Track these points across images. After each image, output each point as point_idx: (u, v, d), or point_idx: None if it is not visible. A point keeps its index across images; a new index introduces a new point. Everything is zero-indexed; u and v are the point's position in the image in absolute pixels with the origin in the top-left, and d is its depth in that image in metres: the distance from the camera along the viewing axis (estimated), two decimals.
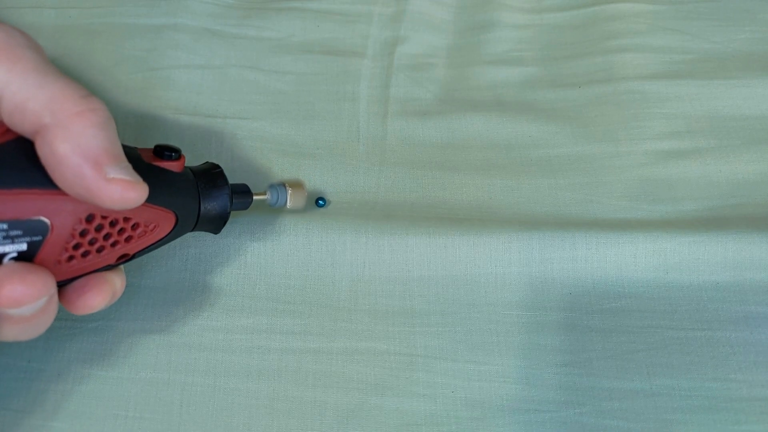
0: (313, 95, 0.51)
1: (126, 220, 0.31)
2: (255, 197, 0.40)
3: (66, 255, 0.29)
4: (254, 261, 0.42)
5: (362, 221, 0.43)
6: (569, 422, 0.38)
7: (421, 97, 0.52)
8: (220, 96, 0.50)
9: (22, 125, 0.27)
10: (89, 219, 0.29)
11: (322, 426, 0.37)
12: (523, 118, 0.50)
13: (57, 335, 0.39)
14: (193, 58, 0.51)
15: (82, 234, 0.29)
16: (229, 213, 0.38)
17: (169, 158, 0.33)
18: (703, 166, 0.47)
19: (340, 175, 0.47)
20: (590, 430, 0.38)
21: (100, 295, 0.31)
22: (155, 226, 0.33)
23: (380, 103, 0.51)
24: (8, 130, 0.28)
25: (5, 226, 0.27)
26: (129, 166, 0.28)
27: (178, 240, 0.41)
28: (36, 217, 0.28)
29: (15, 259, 0.28)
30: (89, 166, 0.27)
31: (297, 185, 0.42)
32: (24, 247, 0.28)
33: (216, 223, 0.38)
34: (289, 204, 0.41)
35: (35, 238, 0.28)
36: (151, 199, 0.31)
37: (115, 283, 0.32)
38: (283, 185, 0.41)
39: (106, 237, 0.31)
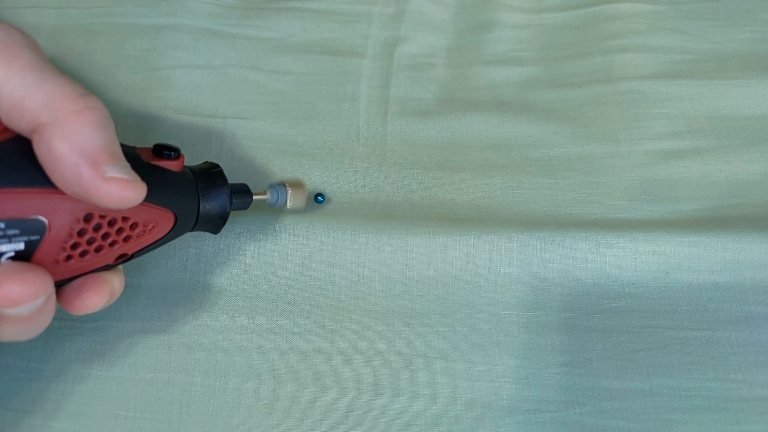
0: (313, 95, 0.51)
1: (124, 219, 0.31)
2: (255, 197, 0.40)
3: (64, 254, 0.29)
4: (254, 261, 0.42)
5: (362, 221, 0.43)
6: (569, 422, 0.38)
7: (421, 97, 0.52)
8: (220, 96, 0.50)
9: (19, 124, 0.27)
10: (87, 218, 0.29)
11: (322, 426, 0.37)
12: (523, 118, 0.50)
13: (57, 335, 0.39)
14: (193, 58, 0.51)
15: (80, 233, 0.29)
16: (229, 213, 0.38)
17: (168, 157, 0.33)
18: (703, 166, 0.47)
19: (340, 175, 0.47)
20: (590, 430, 0.38)
21: (98, 295, 0.31)
22: (154, 226, 0.33)
23: (380, 103, 0.51)
24: (6, 129, 0.28)
25: (2, 225, 0.27)
26: (127, 165, 0.28)
27: (177, 240, 0.41)
28: (33, 217, 0.28)
29: (12, 258, 0.28)
30: (87, 165, 0.26)
31: (297, 185, 0.42)
32: (21, 246, 0.28)
33: (215, 223, 0.38)
34: (289, 204, 0.41)
35: (33, 238, 0.28)
36: (149, 199, 0.31)
37: (113, 283, 0.32)
38: (283, 185, 0.41)
39: (105, 237, 0.31)
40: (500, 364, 0.40)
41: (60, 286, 0.31)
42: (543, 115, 0.50)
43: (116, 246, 0.32)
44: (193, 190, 0.36)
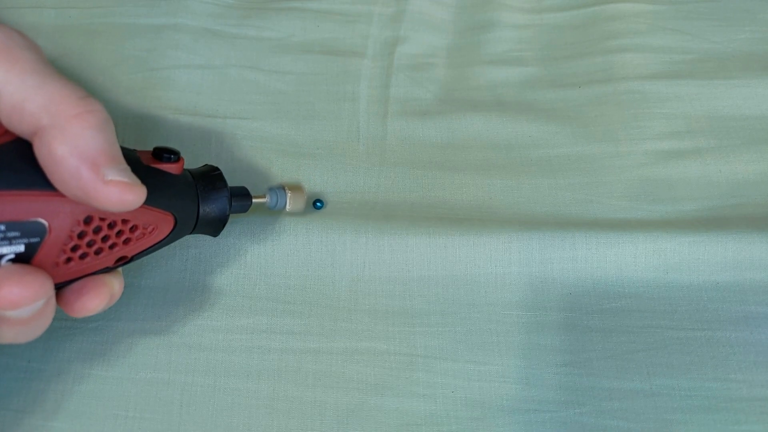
0: (313, 95, 0.51)
1: (124, 222, 0.31)
2: (254, 200, 0.40)
3: (64, 257, 0.29)
4: (254, 261, 0.42)
5: (362, 221, 0.43)
6: (569, 422, 0.38)
7: (421, 97, 0.52)
8: (220, 96, 0.50)
9: (20, 126, 0.27)
10: (87, 221, 0.29)
11: (322, 426, 0.37)
12: (523, 118, 0.50)
13: (56, 335, 0.39)
14: (193, 58, 0.51)
15: (80, 236, 0.29)
16: (228, 216, 0.38)
17: (168, 160, 0.33)
18: (703, 166, 0.47)
19: (340, 175, 0.47)
20: (590, 430, 0.38)
21: (97, 297, 0.31)
22: (153, 229, 0.33)
23: (380, 103, 0.51)
24: (6, 132, 0.28)
25: (2, 228, 0.27)
26: (127, 168, 0.28)
27: (177, 241, 0.41)
28: (34, 219, 0.28)
29: (12, 260, 0.28)
30: (87, 167, 0.26)
31: (296, 188, 0.42)
32: (21, 248, 0.28)
33: (215, 226, 0.38)
34: (288, 207, 0.41)
35: (33, 240, 0.28)
36: (149, 202, 0.31)
37: (113, 285, 0.32)
38: (282, 188, 0.41)
39: (104, 239, 0.31)
40: (500, 364, 0.40)
41: (60, 288, 0.31)
42: (543, 115, 0.50)
43: (116, 248, 0.32)
44: (193, 193, 0.36)
